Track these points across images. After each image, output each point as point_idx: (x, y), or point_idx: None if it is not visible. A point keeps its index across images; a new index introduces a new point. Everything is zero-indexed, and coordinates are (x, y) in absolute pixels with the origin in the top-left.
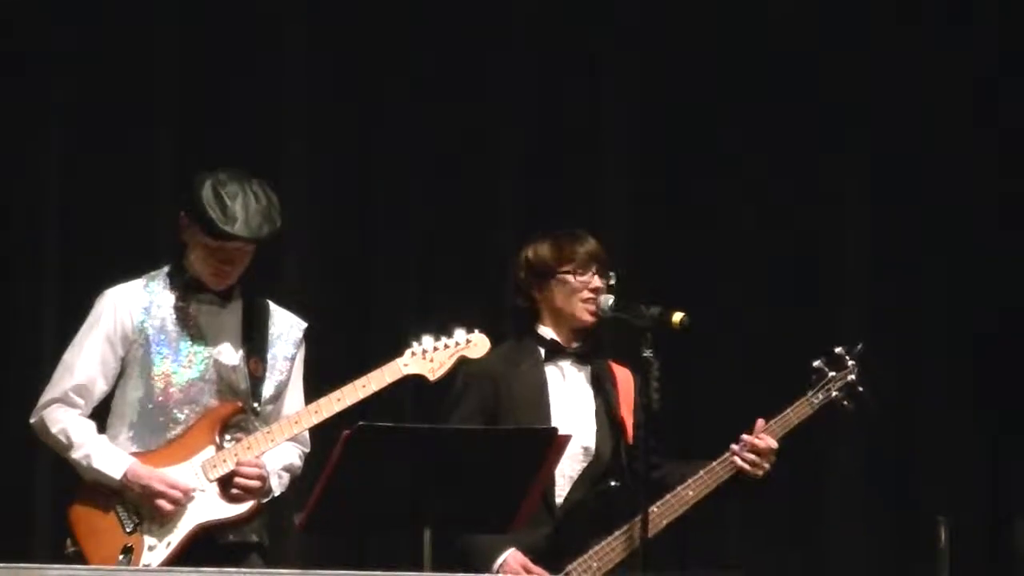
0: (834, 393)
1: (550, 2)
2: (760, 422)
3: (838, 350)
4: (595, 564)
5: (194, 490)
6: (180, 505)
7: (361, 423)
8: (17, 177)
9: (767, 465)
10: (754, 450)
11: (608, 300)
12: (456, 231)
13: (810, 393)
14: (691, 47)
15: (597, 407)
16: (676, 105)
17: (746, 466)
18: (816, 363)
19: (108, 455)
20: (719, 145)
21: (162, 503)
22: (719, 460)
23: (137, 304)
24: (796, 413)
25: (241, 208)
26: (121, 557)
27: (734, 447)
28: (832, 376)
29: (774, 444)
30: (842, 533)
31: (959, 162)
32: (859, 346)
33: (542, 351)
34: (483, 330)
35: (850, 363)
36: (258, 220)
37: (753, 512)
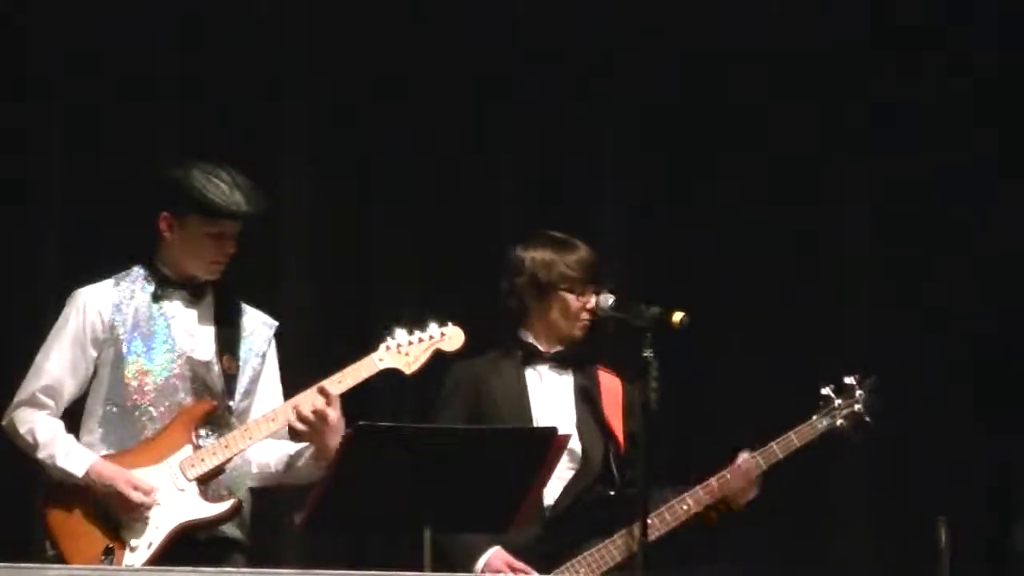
0: (839, 421)
1: (550, 1)
2: (742, 455)
3: (848, 379)
4: (583, 570)
5: (157, 490)
6: (144, 507)
7: (361, 423)
8: (17, 178)
9: (751, 495)
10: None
11: (608, 300)
12: (456, 231)
13: (815, 418)
14: (692, 47)
15: (580, 411)
16: (676, 105)
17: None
18: (825, 390)
19: (72, 453)
20: (719, 145)
21: (122, 502)
22: (701, 486)
23: (107, 303)
24: (800, 436)
25: (237, 189)
26: (103, 558)
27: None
28: (839, 404)
29: (752, 486)
30: (843, 533)
31: (959, 162)
32: (870, 378)
33: (520, 355)
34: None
35: (858, 393)
36: (255, 196)
37: (754, 513)
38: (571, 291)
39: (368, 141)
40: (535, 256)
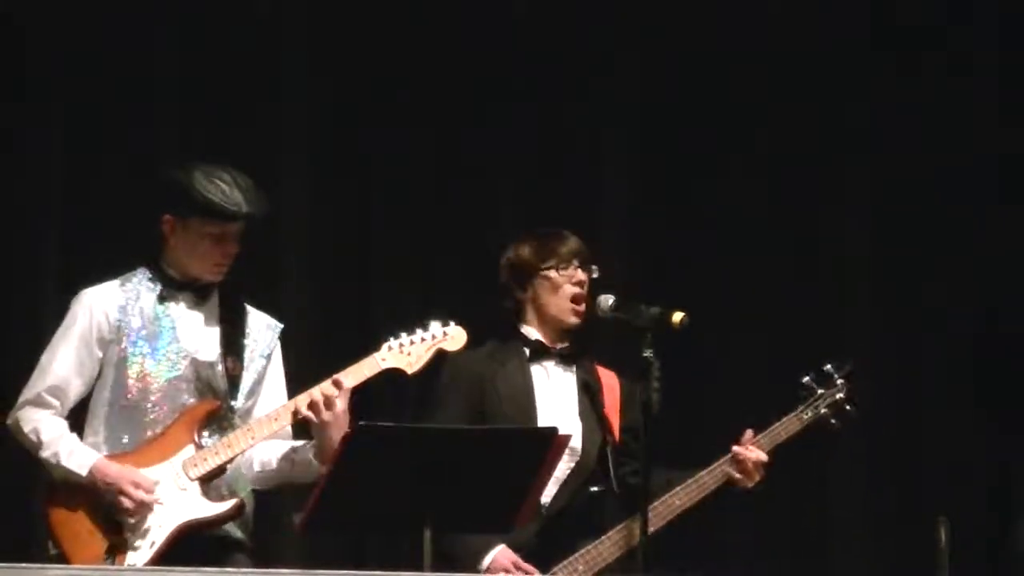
0: (822, 411)
1: (550, 1)
2: (748, 433)
3: (827, 368)
4: (581, 567)
5: (159, 484)
6: (144, 505)
7: (361, 423)
8: (17, 177)
9: (757, 477)
10: (743, 463)
11: (608, 300)
12: (456, 231)
13: (799, 409)
14: (692, 47)
15: (582, 408)
16: (676, 105)
17: (737, 476)
18: (805, 380)
19: (75, 452)
20: (719, 145)
21: (124, 500)
22: (708, 470)
23: (113, 304)
24: (785, 429)
25: (238, 189)
26: (106, 559)
27: (727, 456)
28: (821, 394)
29: (764, 457)
30: (842, 534)
31: (959, 161)
32: (848, 364)
33: (527, 351)
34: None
35: (839, 381)
36: (255, 197)
37: (753, 513)
38: (552, 268)
39: (368, 141)
40: (516, 249)
